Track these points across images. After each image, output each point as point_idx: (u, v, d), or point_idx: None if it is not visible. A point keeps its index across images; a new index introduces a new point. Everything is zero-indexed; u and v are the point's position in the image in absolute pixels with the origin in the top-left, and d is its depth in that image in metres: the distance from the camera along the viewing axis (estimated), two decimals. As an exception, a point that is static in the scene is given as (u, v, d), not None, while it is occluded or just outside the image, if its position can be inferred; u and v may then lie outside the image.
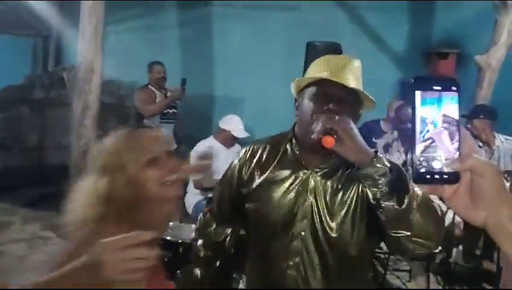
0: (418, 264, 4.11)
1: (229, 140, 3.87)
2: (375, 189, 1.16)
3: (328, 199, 1.35)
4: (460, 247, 3.78)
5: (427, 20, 5.98)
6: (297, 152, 1.39)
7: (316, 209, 1.35)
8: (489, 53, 4.51)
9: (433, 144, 0.66)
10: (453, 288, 3.79)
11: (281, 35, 5.91)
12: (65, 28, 6.44)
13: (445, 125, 0.67)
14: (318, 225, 1.35)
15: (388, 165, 1.16)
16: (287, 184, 1.38)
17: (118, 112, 6.11)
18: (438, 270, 3.92)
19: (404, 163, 3.71)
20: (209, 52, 6.25)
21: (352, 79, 1.31)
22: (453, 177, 0.67)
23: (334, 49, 3.80)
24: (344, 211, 1.34)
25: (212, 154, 3.25)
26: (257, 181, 1.42)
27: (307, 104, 1.34)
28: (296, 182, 1.37)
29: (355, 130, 1.19)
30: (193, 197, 3.71)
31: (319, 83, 1.33)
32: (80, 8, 4.24)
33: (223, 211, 1.57)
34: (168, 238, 2.84)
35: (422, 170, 0.67)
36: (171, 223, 3.77)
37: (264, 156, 1.44)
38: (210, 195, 3.15)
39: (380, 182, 1.15)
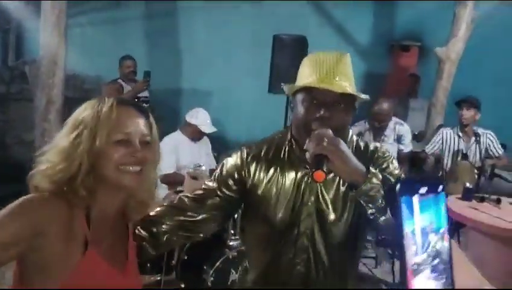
0: (383, 251, 4.24)
1: (196, 134, 3.85)
2: (371, 205, 1.19)
3: (331, 196, 1.38)
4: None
5: (390, 13, 6.12)
6: (296, 153, 1.41)
7: (320, 207, 1.38)
8: (449, 46, 4.67)
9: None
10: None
11: (246, 27, 5.92)
12: (26, 20, 6.23)
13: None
14: (323, 222, 1.38)
15: (380, 179, 1.19)
16: (291, 184, 1.40)
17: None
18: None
19: None
20: (175, 45, 6.20)
21: (343, 80, 1.30)
22: None
23: (301, 42, 3.85)
24: (347, 207, 1.38)
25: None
26: (260, 182, 1.42)
27: (300, 109, 1.34)
28: (299, 182, 1.40)
29: (346, 150, 1.19)
30: (160, 191, 3.69)
31: (309, 89, 1.31)
32: (41, -1, 4.12)
33: (203, 205, 1.48)
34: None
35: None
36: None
37: (266, 158, 1.44)
38: (180, 188, 3.15)
39: (375, 198, 1.18)
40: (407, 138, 3.99)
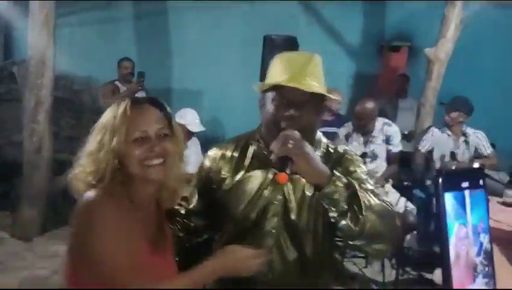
0: (374, 250, 4.26)
1: (185, 134, 3.86)
2: (333, 208, 1.20)
3: (297, 197, 1.38)
4: (415, 232, 3.93)
5: (380, 14, 6.15)
6: (265, 152, 1.41)
7: (285, 207, 1.39)
8: (438, 46, 4.69)
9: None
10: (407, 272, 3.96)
11: (237, 27, 5.92)
12: (14, 19, 6.17)
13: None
14: (288, 222, 1.39)
15: (344, 182, 1.20)
16: (257, 183, 1.40)
17: (73, 108, 5.94)
18: (392, 255, 4.07)
19: (364, 154, 3.78)
20: (166, 45, 6.18)
21: (313, 80, 1.32)
22: None
23: (291, 42, 3.86)
24: (312, 209, 1.38)
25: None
26: (229, 181, 1.44)
27: (269, 107, 1.35)
28: (266, 181, 1.40)
29: (310, 153, 1.21)
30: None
31: (279, 87, 1.32)
32: (29, -2, 4.08)
33: (194, 209, 1.56)
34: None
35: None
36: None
37: (234, 157, 1.46)
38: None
39: (338, 201, 1.19)
40: (396, 138, 3.98)
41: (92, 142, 1.18)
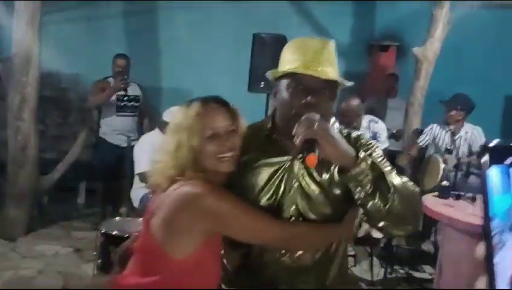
0: (362, 250, 4.28)
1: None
2: (360, 189, 1.18)
3: (314, 183, 1.36)
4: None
5: (370, 13, 6.18)
6: (279, 140, 1.39)
7: (303, 195, 1.36)
8: (426, 46, 4.73)
9: None
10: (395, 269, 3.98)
11: (226, 26, 5.90)
12: (-1, 16, 6.08)
13: None
14: (307, 210, 1.36)
15: (369, 164, 1.18)
16: (272, 171, 1.38)
17: (59, 106, 5.87)
18: (381, 254, 4.09)
19: None
20: (155, 43, 6.13)
21: (328, 66, 1.30)
22: None
23: (281, 41, 3.84)
24: (330, 194, 1.36)
25: None
26: (243, 170, 1.40)
27: (285, 95, 1.32)
28: (281, 169, 1.37)
29: (335, 135, 1.19)
30: (139, 191, 3.65)
31: (295, 74, 1.30)
32: (14, -5, 4.02)
33: None
34: (115, 233, 2.78)
35: None
36: (117, 218, 3.71)
37: (247, 146, 1.42)
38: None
39: (364, 182, 1.17)
40: (383, 135, 4.03)
41: (170, 142, 1.34)
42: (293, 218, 1.36)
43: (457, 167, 3.43)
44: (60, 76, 5.84)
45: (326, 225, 1.36)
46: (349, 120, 3.82)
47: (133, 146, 3.83)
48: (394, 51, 5.94)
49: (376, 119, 4.10)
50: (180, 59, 5.94)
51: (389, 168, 1.30)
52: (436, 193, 3.19)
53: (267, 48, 3.70)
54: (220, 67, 5.68)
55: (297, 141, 1.18)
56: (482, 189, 0.48)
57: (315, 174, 1.36)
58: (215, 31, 5.92)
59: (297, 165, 1.37)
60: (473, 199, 3.08)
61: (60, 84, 5.93)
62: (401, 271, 4.00)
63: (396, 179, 1.23)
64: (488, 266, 0.49)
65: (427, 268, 4.02)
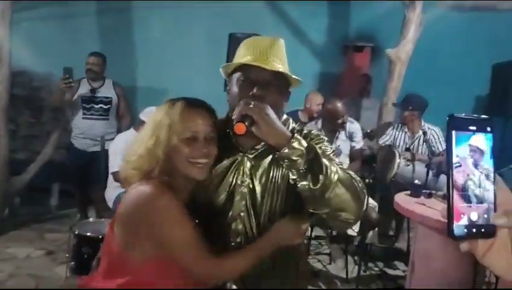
0: (337, 248, 4.33)
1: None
2: (293, 169, 1.19)
3: (263, 180, 1.39)
4: (376, 229, 4.02)
5: (345, 14, 6.25)
6: (231, 135, 1.42)
7: (252, 191, 1.40)
8: (399, 47, 4.81)
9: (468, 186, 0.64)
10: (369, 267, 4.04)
11: (202, 25, 5.88)
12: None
13: (471, 153, 0.65)
14: (256, 206, 1.39)
15: (304, 145, 1.19)
16: (225, 167, 1.41)
17: (31, 105, 5.75)
18: (355, 252, 4.15)
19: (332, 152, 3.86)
20: (129, 42, 6.06)
21: (275, 60, 1.35)
22: (490, 230, 0.63)
23: (256, 41, 3.87)
24: (278, 190, 1.39)
25: None
26: None
27: (234, 89, 1.37)
28: (233, 165, 1.41)
29: (271, 114, 1.20)
30: (113, 191, 3.61)
31: (243, 68, 1.35)
32: (-17, -9, 3.92)
33: None
34: (88, 234, 2.75)
35: (460, 223, 0.63)
36: (90, 219, 3.66)
37: None
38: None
39: (297, 162, 1.17)
40: (358, 135, 4.14)
41: (149, 138, 1.31)
42: (242, 213, 1.40)
43: (428, 166, 3.51)
44: (32, 74, 5.72)
45: (258, 241, 1.35)
46: (333, 121, 3.92)
47: (107, 149, 3.74)
48: (369, 52, 6.03)
49: (352, 119, 4.20)
50: (155, 58, 5.90)
51: (337, 161, 1.32)
52: (408, 192, 3.25)
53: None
54: (196, 67, 5.66)
55: (234, 116, 1.22)
56: (447, 147, 0.65)
57: (265, 172, 1.40)
58: (191, 31, 5.89)
59: (248, 161, 1.41)
60: (444, 197, 3.15)
61: (32, 82, 5.81)
62: (375, 269, 4.07)
63: (337, 167, 1.22)
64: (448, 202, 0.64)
65: (401, 265, 4.10)
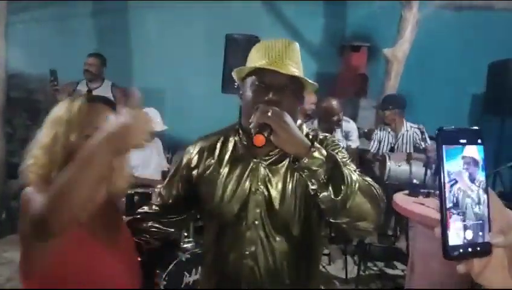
0: (336, 248, 4.33)
1: (147, 134, 3.81)
2: (313, 180, 1.15)
3: (279, 187, 1.36)
4: (375, 229, 4.02)
5: (341, 14, 6.25)
6: (245, 142, 1.40)
7: (267, 198, 1.36)
8: (396, 46, 4.82)
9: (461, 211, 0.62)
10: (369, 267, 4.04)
11: (199, 26, 5.87)
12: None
13: (465, 166, 0.62)
14: (271, 213, 1.36)
15: (324, 154, 1.16)
16: (238, 174, 1.38)
17: (27, 107, 5.72)
18: (354, 252, 4.14)
19: None
20: (126, 44, 6.04)
21: (291, 64, 1.31)
22: (485, 248, 0.62)
23: (253, 42, 3.84)
24: (295, 197, 1.35)
25: None
26: (209, 174, 1.42)
27: (248, 94, 1.34)
28: (247, 172, 1.38)
29: (290, 123, 1.17)
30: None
31: (258, 72, 1.31)
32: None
33: (168, 208, 1.54)
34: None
35: (456, 243, 0.61)
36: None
37: (216, 150, 1.44)
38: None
39: (317, 173, 1.14)
40: (354, 134, 4.16)
41: (46, 135, 1.20)
42: (257, 222, 1.37)
43: (426, 165, 3.51)
44: (28, 77, 5.69)
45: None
46: (329, 119, 3.94)
47: None
48: (365, 52, 6.03)
49: (347, 119, 4.21)
50: (152, 60, 5.88)
51: (354, 167, 1.30)
52: (406, 191, 3.25)
53: (240, 49, 3.69)
54: (193, 68, 5.64)
55: (252, 126, 1.18)
56: (438, 161, 0.62)
57: (280, 179, 1.37)
58: (188, 32, 5.88)
59: (262, 168, 1.38)
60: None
61: (28, 85, 5.78)
62: (375, 268, 4.07)
63: (356, 175, 1.20)
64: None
65: (400, 265, 4.10)
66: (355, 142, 4.18)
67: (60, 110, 1.24)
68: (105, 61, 4.42)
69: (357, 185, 1.16)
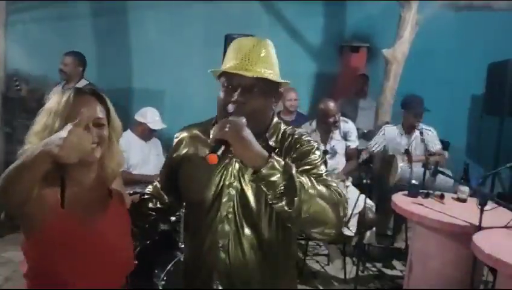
0: (335, 248, 4.33)
1: (146, 133, 3.84)
2: (270, 190, 1.19)
3: (249, 183, 1.39)
4: (374, 229, 4.02)
5: (341, 14, 6.25)
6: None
7: (240, 192, 1.39)
8: (395, 47, 4.82)
9: None
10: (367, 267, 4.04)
11: (198, 26, 5.87)
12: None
13: None
14: (244, 207, 1.39)
15: (282, 166, 1.19)
16: (213, 168, 1.40)
17: (27, 108, 5.72)
18: (353, 252, 4.14)
19: (325, 152, 3.88)
20: (126, 44, 6.04)
21: (259, 64, 1.34)
22: None
23: (252, 42, 3.86)
24: (262, 194, 1.36)
25: None
26: (187, 165, 1.48)
27: (220, 94, 1.39)
28: (221, 166, 1.41)
29: (247, 136, 1.20)
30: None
31: (228, 73, 1.35)
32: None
33: (163, 188, 1.64)
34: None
35: None
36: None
37: (193, 142, 1.50)
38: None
39: (275, 184, 1.17)
40: (353, 134, 4.16)
41: (38, 123, 1.33)
42: (230, 215, 1.40)
43: (425, 166, 3.50)
44: (26, 77, 5.69)
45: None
46: (326, 120, 3.95)
47: None
48: (365, 52, 6.03)
49: (346, 119, 4.23)
50: (151, 60, 5.88)
51: (321, 172, 1.33)
52: (405, 192, 3.25)
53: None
54: (192, 68, 5.64)
55: (210, 140, 1.24)
56: None
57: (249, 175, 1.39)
58: (187, 32, 5.88)
59: (237, 163, 1.41)
60: (442, 197, 3.16)
61: (28, 85, 5.78)
62: (373, 269, 4.07)
63: (314, 182, 1.22)
64: None
65: (399, 265, 4.10)
66: (354, 143, 4.18)
67: (52, 101, 1.35)
68: (84, 60, 4.26)
69: (313, 191, 1.20)
